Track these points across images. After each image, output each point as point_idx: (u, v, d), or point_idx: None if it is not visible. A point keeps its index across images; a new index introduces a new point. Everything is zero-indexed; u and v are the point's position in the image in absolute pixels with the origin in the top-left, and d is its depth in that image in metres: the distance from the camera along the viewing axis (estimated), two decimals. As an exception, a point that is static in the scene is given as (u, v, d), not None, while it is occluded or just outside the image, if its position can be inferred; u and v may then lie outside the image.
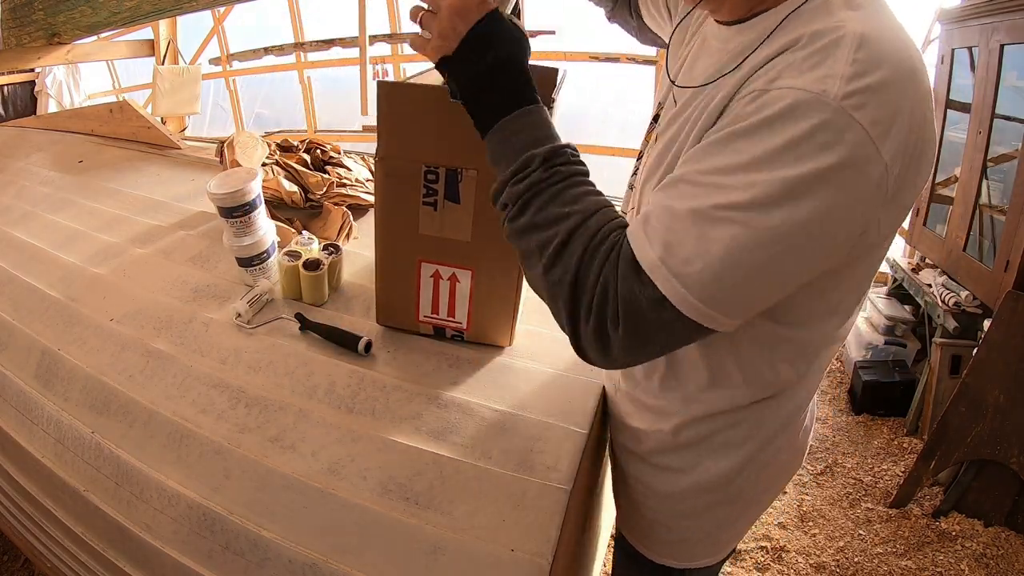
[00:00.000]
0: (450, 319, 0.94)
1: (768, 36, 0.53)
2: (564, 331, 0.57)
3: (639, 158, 0.76)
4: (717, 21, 0.61)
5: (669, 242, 0.50)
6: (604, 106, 4.83)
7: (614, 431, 0.87)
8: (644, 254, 0.51)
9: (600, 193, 0.58)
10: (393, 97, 0.78)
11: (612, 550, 1.73)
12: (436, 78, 1.00)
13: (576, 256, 0.53)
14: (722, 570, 1.78)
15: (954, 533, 1.88)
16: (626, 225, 0.56)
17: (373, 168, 1.49)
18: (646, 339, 0.52)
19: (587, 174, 0.59)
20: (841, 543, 1.88)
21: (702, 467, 0.75)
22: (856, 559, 1.81)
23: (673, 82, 0.68)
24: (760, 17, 0.56)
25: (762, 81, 0.50)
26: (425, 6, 0.61)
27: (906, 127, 0.47)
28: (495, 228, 0.83)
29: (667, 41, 0.78)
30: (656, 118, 0.73)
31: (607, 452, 0.96)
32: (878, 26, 0.49)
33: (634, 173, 0.77)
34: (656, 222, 0.51)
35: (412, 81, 0.88)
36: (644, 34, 0.95)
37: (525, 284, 0.95)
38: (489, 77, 0.59)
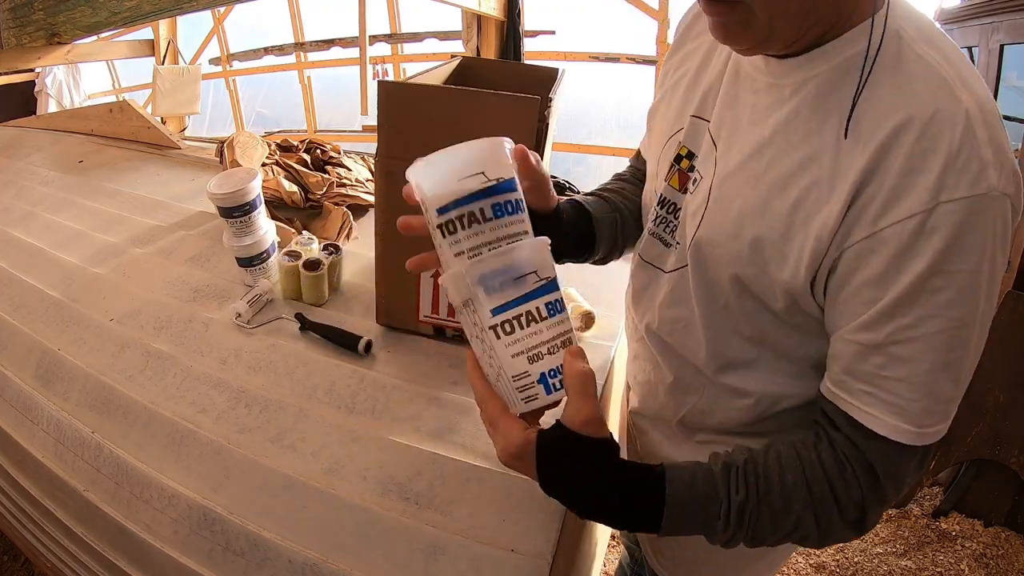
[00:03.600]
0: (450, 319, 0.94)
1: (864, 81, 0.47)
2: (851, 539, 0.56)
3: (662, 203, 0.66)
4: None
5: (921, 411, 0.48)
6: (604, 106, 4.84)
7: (645, 457, 0.81)
8: (905, 435, 0.49)
9: (779, 457, 0.54)
10: (393, 97, 0.79)
11: (612, 550, 1.74)
12: (437, 77, 1.00)
13: (836, 515, 0.52)
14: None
15: (954, 533, 1.88)
16: (822, 447, 0.53)
17: (373, 168, 1.49)
18: (901, 485, 0.53)
19: (756, 465, 0.54)
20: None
21: None
22: (856, 559, 1.81)
23: (700, 118, 0.61)
24: (824, 50, 0.50)
25: (918, 197, 0.44)
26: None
27: (1013, 164, 0.47)
28: None
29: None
30: (679, 158, 0.64)
31: None
32: (970, 77, 0.47)
33: (658, 221, 0.67)
34: (889, 397, 0.49)
35: (412, 81, 0.88)
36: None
37: None
38: (606, 510, 0.54)
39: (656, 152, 0.68)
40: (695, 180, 0.62)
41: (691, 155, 0.63)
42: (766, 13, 0.47)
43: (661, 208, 0.67)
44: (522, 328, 0.47)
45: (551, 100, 0.91)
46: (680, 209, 0.64)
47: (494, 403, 0.52)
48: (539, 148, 0.80)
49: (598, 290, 1.06)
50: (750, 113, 0.56)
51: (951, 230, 0.44)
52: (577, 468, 0.51)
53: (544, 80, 0.99)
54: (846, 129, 0.48)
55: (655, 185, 0.68)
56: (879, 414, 0.49)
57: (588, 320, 1.00)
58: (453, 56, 1.10)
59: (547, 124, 0.85)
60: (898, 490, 0.52)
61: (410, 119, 0.79)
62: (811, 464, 0.52)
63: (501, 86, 0.82)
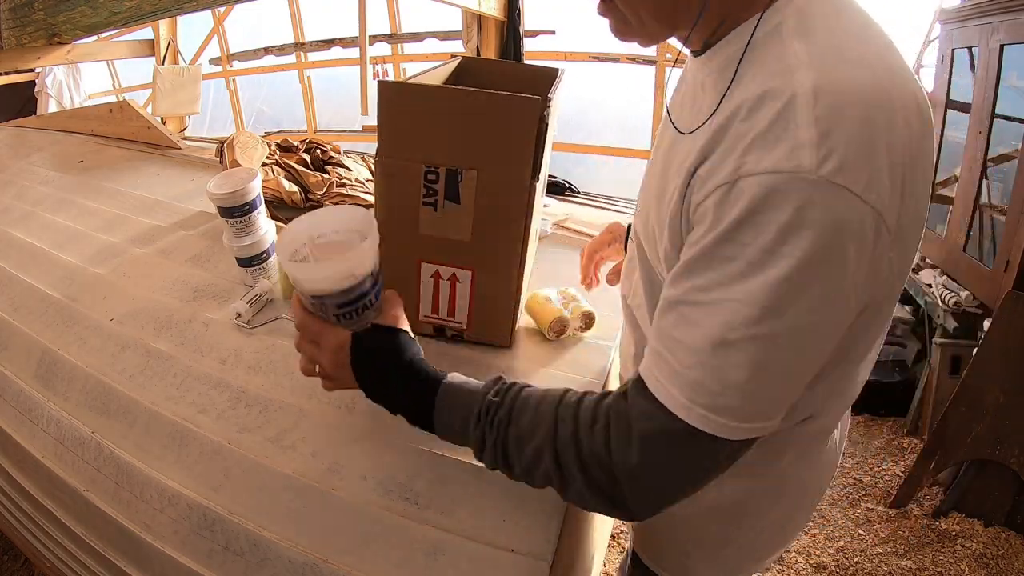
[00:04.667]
0: (450, 319, 0.94)
1: (733, 78, 0.49)
2: (612, 514, 0.56)
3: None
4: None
5: (694, 381, 0.47)
6: (604, 106, 4.84)
7: None
8: (671, 400, 0.49)
9: (546, 393, 0.58)
10: (394, 97, 0.78)
11: (612, 550, 1.74)
12: (436, 77, 1.00)
13: (576, 468, 0.53)
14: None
15: (954, 533, 1.88)
16: (589, 397, 0.55)
17: (373, 168, 1.49)
18: (690, 474, 0.52)
19: (523, 388, 0.59)
20: (841, 543, 1.88)
21: (718, 491, 0.71)
22: (856, 559, 1.81)
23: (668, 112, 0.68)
24: (721, 44, 0.53)
25: (726, 171, 0.45)
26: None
27: (888, 163, 0.44)
28: (495, 228, 0.83)
29: None
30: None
31: None
32: (832, 65, 0.45)
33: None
34: (671, 358, 0.49)
35: (413, 81, 0.88)
36: None
37: (525, 284, 0.95)
38: (399, 398, 0.63)
39: None
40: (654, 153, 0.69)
41: None
42: (630, 12, 0.52)
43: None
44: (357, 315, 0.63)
45: (551, 100, 0.91)
46: None
47: (315, 322, 0.63)
48: (539, 148, 0.80)
49: (599, 290, 1.06)
50: (679, 97, 0.62)
51: (747, 203, 0.43)
52: (383, 349, 0.63)
53: (544, 80, 0.99)
54: (717, 103, 0.50)
55: None
56: (658, 372, 0.50)
57: (588, 320, 1.00)
58: (453, 56, 1.10)
59: (547, 124, 0.85)
60: (657, 476, 0.50)
61: (410, 119, 0.79)
62: (568, 405, 0.55)
63: (501, 86, 0.83)
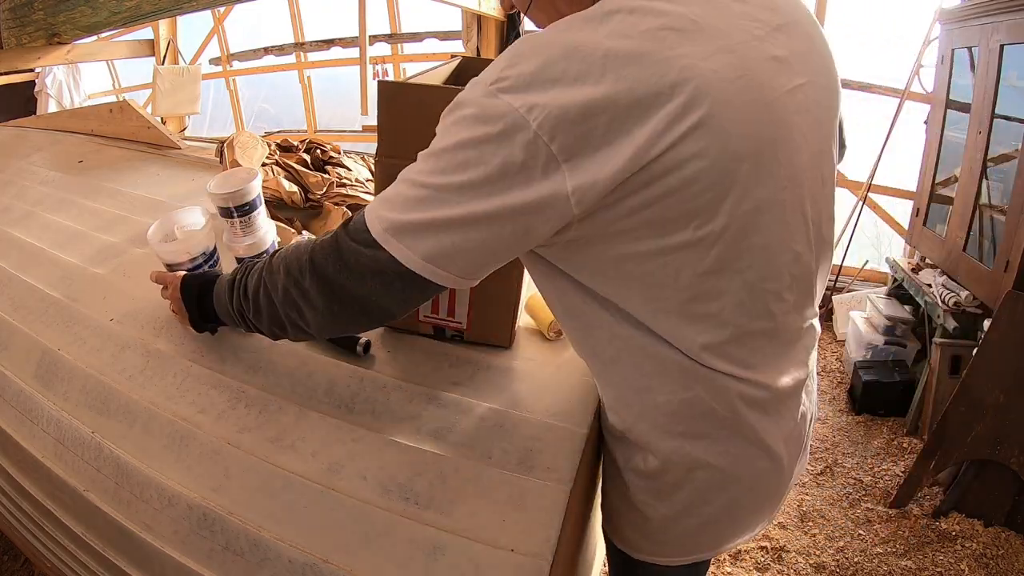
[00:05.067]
0: (450, 319, 0.94)
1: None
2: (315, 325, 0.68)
3: None
4: None
5: (380, 200, 0.60)
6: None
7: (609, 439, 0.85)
8: (366, 215, 0.61)
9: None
10: (394, 97, 0.79)
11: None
12: (437, 77, 1.00)
13: (280, 283, 0.68)
14: (723, 570, 1.78)
15: (954, 533, 1.89)
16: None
17: (373, 168, 1.49)
18: (359, 277, 0.61)
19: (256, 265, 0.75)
20: (841, 543, 1.88)
21: (643, 457, 0.75)
22: (856, 559, 1.82)
23: None
24: None
25: None
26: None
27: (565, 105, 0.51)
28: None
29: None
30: None
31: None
32: (563, 25, 0.56)
33: None
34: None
35: (412, 81, 0.88)
36: None
37: (526, 285, 0.95)
38: (200, 301, 0.87)
39: None
40: None
41: None
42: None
43: None
44: None
45: None
46: None
47: (165, 274, 0.95)
48: None
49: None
50: None
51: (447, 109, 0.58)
52: (196, 278, 0.89)
53: None
54: None
55: None
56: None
57: (588, 320, 1.00)
58: (453, 56, 1.10)
59: None
60: (335, 258, 0.62)
61: (410, 119, 0.79)
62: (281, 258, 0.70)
63: None
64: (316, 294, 0.64)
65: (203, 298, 0.85)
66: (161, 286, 0.95)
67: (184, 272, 0.92)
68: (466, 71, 1.06)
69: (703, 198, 0.56)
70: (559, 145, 0.52)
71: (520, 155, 0.52)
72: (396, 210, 0.58)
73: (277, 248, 1.09)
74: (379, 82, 0.78)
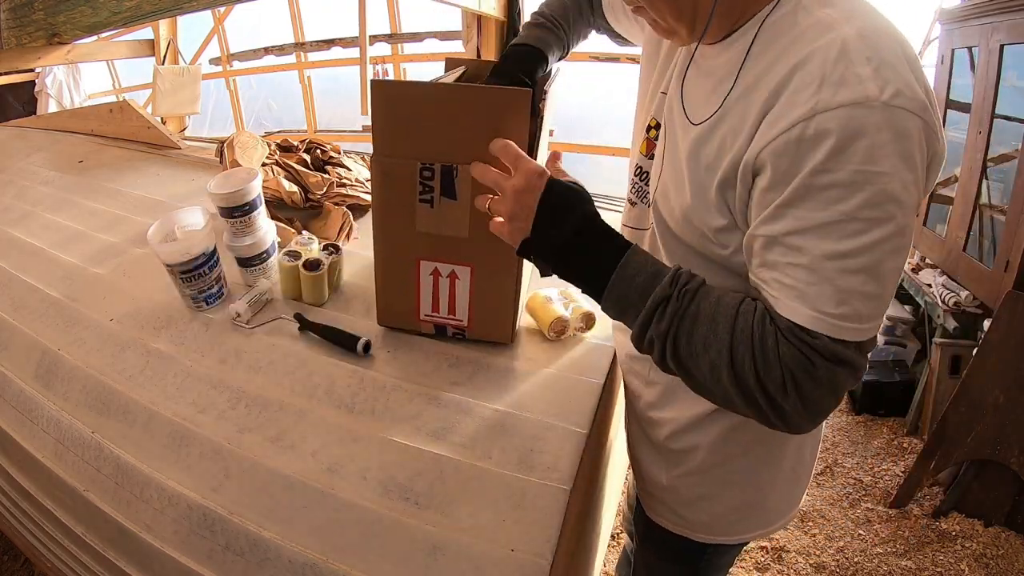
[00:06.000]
0: (451, 317, 0.94)
1: (750, 47, 0.58)
2: (771, 423, 0.57)
3: (637, 173, 0.79)
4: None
5: (818, 295, 0.53)
6: (604, 106, 4.84)
7: (644, 424, 0.87)
8: (798, 314, 0.54)
9: (725, 292, 0.59)
10: (387, 95, 0.78)
11: (612, 550, 1.74)
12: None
13: (748, 362, 0.55)
14: (722, 570, 1.78)
15: (954, 533, 1.88)
16: (761, 306, 0.58)
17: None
18: (838, 378, 0.54)
19: (704, 282, 0.60)
20: (841, 543, 1.88)
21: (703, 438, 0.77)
22: (856, 559, 1.81)
23: (664, 93, 0.72)
24: (740, 31, 0.60)
25: (797, 112, 0.52)
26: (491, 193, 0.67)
27: (918, 80, 0.52)
28: None
29: (636, 43, 0.82)
30: (648, 128, 0.75)
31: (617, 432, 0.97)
32: (858, 16, 0.54)
33: (634, 190, 0.80)
34: (791, 281, 0.54)
35: (406, 80, 0.88)
36: (612, 35, 1.00)
37: (526, 278, 0.95)
38: (576, 245, 0.61)
39: (636, 128, 0.80)
40: (656, 146, 0.73)
41: (658, 126, 0.73)
42: (656, 14, 0.61)
43: (637, 178, 0.79)
44: None
45: (546, 92, 0.91)
46: (649, 174, 0.76)
47: (516, 147, 0.65)
48: (533, 141, 0.80)
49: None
50: (702, 95, 0.65)
51: (832, 136, 0.50)
52: (577, 196, 0.62)
53: (543, 81, 0.99)
54: (725, 96, 0.59)
55: (633, 157, 0.80)
56: (780, 295, 0.55)
57: (589, 320, 1.00)
58: (449, 59, 1.10)
59: (542, 116, 0.85)
60: (814, 385, 0.53)
61: (404, 117, 0.79)
62: (748, 303, 0.57)
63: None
64: (790, 411, 0.55)
65: (569, 221, 0.61)
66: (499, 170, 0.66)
67: (192, 292, 0.93)
68: (471, 77, 1.06)
69: None
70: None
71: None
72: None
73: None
74: (372, 81, 0.77)
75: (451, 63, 1.06)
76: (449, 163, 0.80)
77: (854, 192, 0.50)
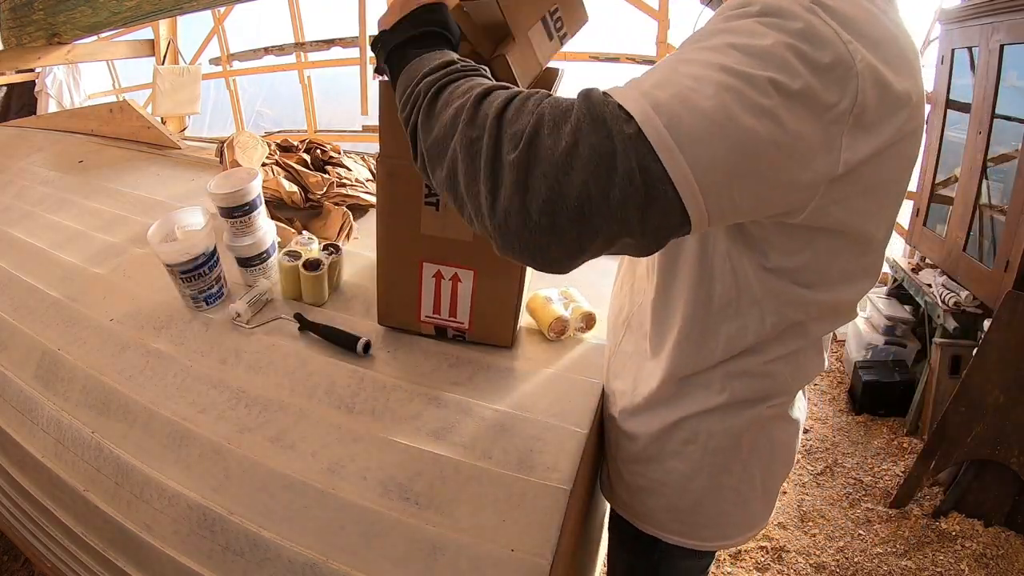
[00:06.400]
0: (452, 319, 0.94)
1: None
2: (483, 205, 0.48)
3: None
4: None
5: (651, 79, 0.47)
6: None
7: (605, 397, 0.88)
8: (618, 92, 0.47)
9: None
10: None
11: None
12: None
13: (499, 102, 0.48)
14: (723, 570, 1.78)
15: (954, 533, 1.88)
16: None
17: (374, 168, 1.49)
18: (608, 180, 0.44)
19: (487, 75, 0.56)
20: (841, 543, 1.88)
21: (681, 449, 0.76)
22: (856, 559, 1.81)
23: None
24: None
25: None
26: None
27: (875, 39, 0.48)
28: None
29: None
30: None
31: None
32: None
33: None
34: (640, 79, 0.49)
35: None
36: None
37: (527, 284, 0.95)
38: (413, 42, 0.60)
39: None
40: None
41: None
42: None
43: None
44: None
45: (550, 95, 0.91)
46: None
47: None
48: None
49: (599, 290, 1.06)
50: None
51: (756, 8, 0.48)
52: (434, 23, 0.61)
53: (545, 82, 0.99)
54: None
55: None
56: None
57: (589, 320, 1.00)
58: None
59: None
60: (552, 135, 0.44)
61: None
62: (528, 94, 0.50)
63: None
64: (512, 176, 0.45)
65: (419, 40, 0.60)
66: None
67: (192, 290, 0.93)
68: None
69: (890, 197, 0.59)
70: (860, 103, 0.47)
71: (829, 94, 0.46)
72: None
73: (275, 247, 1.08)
74: (380, 82, 0.77)
75: None
76: None
77: (734, 34, 0.47)
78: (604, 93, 0.47)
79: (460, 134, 0.49)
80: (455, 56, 0.59)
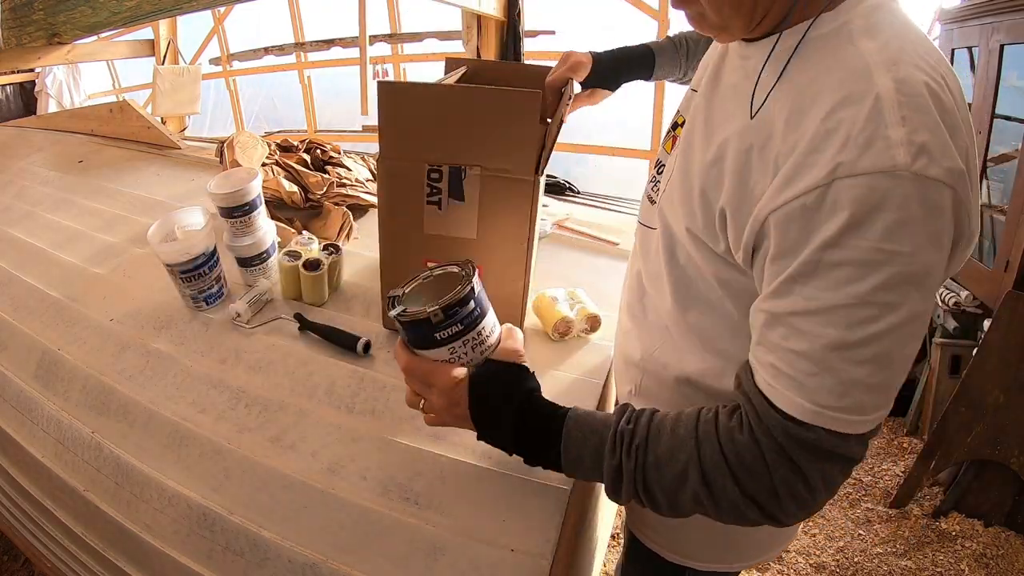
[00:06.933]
0: None
1: (786, 64, 0.52)
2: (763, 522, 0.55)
3: (659, 168, 0.74)
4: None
5: (817, 387, 0.48)
6: (604, 106, 4.83)
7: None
8: (796, 407, 0.49)
9: (679, 415, 0.57)
10: (394, 97, 0.78)
11: (612, 550, 1.74)
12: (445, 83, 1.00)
13: (730, 482, 0.53)
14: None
15: (954, 533, 1.88)
16: (723, 411, 0.55)
17: (374, 169, 1.48)
18: (834, 476, 0.52)
19: (654, 413, 0.58)
20: (841, 543, 1.88)
21: None
22: (856, 559, 1.81)
23: (694, 90, 0.68)
24: (783, 36, 0.54)
25: (816, 173, 0.46)
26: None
27: (955, 146, 0.46)
28: (501, 225, 0.84)
29: None
30: (675, 125, 0.71)
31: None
32: (903, 62, 0.47)
33: (652, 183, 0.74)
34: (790, 370, 0.49)
35: (412, 81, 0.88)
36: None
37: (532, 278, 0.95)
38: (521, 434, 0.61)
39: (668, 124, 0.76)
40: (677, 143, 0.67)
41: (684, 123, 0.68)
42: (712, 8, 0.53)
43: (656, 172, 0.73)
44: None
45: (571, 98, 0.91)
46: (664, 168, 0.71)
47: (423, 363, 0.62)
48: (545, 142, 0.80)
49: (605, 293, 1.06)
50: (724, 86, 0.61)
51: (851, 206, 0.44)
52: (503, 390, 0.61)
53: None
54: (750, 107, 0.53)
55: (657, 153, 0.75)
56: (777, 384, 0.50)
57: (594, 322, 1.00)
58: (449, 59, 1.09)
59: (563, 121, 0.85)
60: (807, 484, 0.51)
61: (411, 119, 0.79)
62: (706, 422, 0.54)
63: (507, 85, 0.83)
64: (784, 513, 0.53)
65: (503, 411, 0.62)
66: (416, 379, 0.64)
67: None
68: (474, 75, 1.05)
69: None
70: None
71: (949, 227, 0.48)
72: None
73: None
74: (379, 83, 0.77)
75: (451, 63, 1.06)
76: (457, 165, 0.80)
77: (869, 273, 0.45)
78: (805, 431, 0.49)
79: (716, 511, 0.55)
80: (606, 423, 0.59)
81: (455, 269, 0.66)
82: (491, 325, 0.64)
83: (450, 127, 0.78)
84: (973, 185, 0.48)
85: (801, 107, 0.49)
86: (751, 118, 0.53)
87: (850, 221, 0.44)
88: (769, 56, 0.54)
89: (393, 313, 0.62)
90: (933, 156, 0.44)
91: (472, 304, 0.61)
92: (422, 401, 0.65)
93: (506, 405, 0.61)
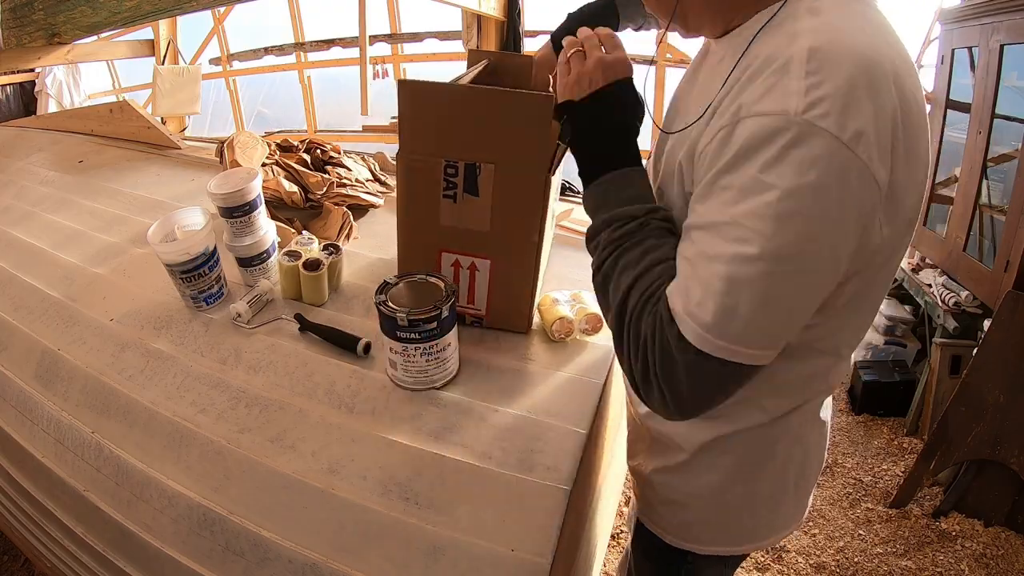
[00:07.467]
0: (470, 306, 0.96)
1: (742, 54, 0.56)
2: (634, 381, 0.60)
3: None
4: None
5: (685, 288, 0.54)
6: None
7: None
8: (673, 304, 0.55)
9: (670, 246, 0.61)
10: (415, 96, 0.81)
11: (612, 550, 1.74)
12: (466, 79, 1.00)
13: (631, 310, 0.58)
14: (722, 570, 1.78)
15: (954, 533, 1.88)
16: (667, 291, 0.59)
17: (374, 168, 1.49)
18: (679, 382, 0.55)
19: (670, 230, 0.62)
20: (841, 543, 1.88)
21: (712, 456, 0.76)
22: (856, 559, 1.81)
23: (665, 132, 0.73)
24: (735, 32, 0.60)
25: (727, 116, 0.53)
26: (581, 47, 0.67)
27: (875, 122, 0.48)
28: (512, 219, 0.86)
29: None
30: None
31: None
32: (832, 31, 0.51)
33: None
34: (690, 286, 0.54)
35: (462, 77, 0.93)
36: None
37: (541, 272, 0.96)
38: (608, 135, 0.66)
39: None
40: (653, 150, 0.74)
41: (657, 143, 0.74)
42: (685, 11, 0.62)
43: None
44: None
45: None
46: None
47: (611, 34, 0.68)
48: (557, 144, 0.82)
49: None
50: (699, 83, 0.67)
51: (744, 141, 0.50)
52: (635, 101, 0.67)
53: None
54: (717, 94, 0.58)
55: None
56: (680, 303, 0.55)
57: (595, 323, 1.00)
58: (473, 52, 1.11)
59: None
60: (665, 375, 0.55)
61: (430, 117, 0.82)
62: (657, 268, 0.59)
63: (524, 84, 0.90)
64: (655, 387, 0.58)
65: (613, 138, 0.66)
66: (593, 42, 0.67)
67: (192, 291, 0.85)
68: (495, 71, 1.06)
69: None
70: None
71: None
72: None
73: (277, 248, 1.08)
74: (400, 81, 0.80)
75: (474, 56, 1.08)
76: (472, 161, 0.83)
77: (745, 197, 0.50)
78: (672, 325, 0.55)
79: (611, 320, 0.62)
80: (652, 201, 0.65)
81: (442, 285, 0.82)
82: (451, 350, 0.83)
83: (467, 126, 0.81)
84: (912, 165, 0.52)
85: (742, 73, 0.55)
86: (704, 110, 0.59)
87: (738, 152, 0.51)
88: (741, 56, 0.58)
89: (376, 300, 0.78)
90: (830, 111, 0.47)
91: (435, 324, 0.79)
92: (572, 52, 0.67)
93: (631, 115, 0.67)
